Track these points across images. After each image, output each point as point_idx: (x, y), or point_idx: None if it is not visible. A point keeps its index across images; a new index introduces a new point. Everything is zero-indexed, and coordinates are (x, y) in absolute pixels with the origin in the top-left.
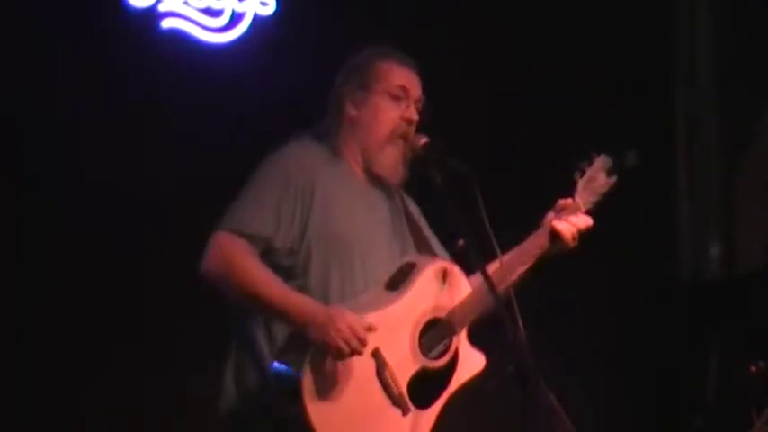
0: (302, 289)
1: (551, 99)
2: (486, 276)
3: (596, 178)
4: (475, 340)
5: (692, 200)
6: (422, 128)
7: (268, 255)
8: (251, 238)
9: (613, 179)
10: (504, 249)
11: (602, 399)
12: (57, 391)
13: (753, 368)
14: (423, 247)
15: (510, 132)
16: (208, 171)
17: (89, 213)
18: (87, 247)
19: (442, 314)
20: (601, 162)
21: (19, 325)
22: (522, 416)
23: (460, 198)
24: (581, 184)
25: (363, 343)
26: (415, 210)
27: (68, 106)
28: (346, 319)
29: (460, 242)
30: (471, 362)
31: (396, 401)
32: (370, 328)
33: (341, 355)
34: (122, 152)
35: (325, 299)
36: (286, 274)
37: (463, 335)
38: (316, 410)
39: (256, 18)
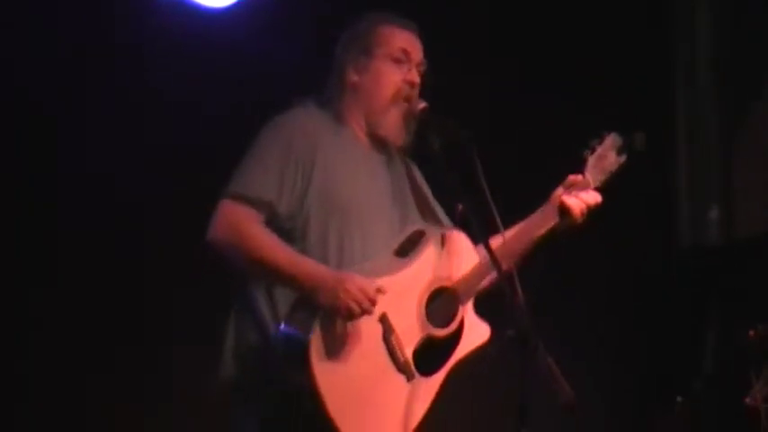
0: (301, 253)
1: (551, 99)
2: (488, 248)
3: (606, 156)
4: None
5: (691, 200)
6: (423, 93)
7: (272, 220)
8: (255, 203)
9: (623, 158)
10: (507, 225)
11: (602, 365)
12: (57, 391)
13: (751, 332)
14: (426, 212)
15: (509, 132)
16: (208, 135)
17: (89, 184)
18: (87, 244)
19: (450, 283)
20: (611, 140)
21: (19, 325)
22: (521, 381)
23: (460, 165)
24: (591, 161)
25: (373, 303)
26: (418, 175)
27: (64, 73)
28: (356, 282)
29: (460, 207)
30: (476, 332)
31: (401, 367)
32: (379, 290)
33: (351, 316)
34: (119, 119)
35: (324, 263)
36: (287, 237)
37: (469, 305)
38: (322, 373)
39: None
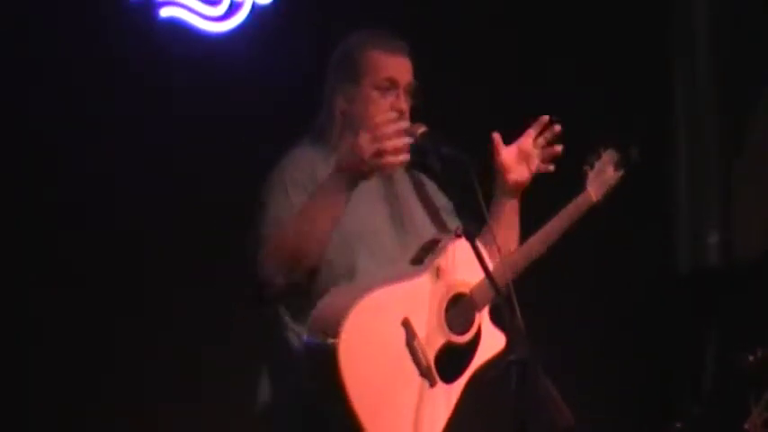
0: (312, 279)
1: (550, 100)
2: (485, 269)
3: (605, 171)
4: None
5: (691, 200)
6: (416, 113)
7: None
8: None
9: (620, 173)
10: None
11: (600, 387)
12: (56, 391)
13: (750, 357)
14: (437, 224)
15: (509, 133)
16: (208, 161)
17: (89, 207)
18: (87, 244)
19: (467, 289)
20: (608, 156)
21: (19, 325)
22: (519, 404)
23: (462, 186)
24: (591, 175)
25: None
26: (429, 187)
27: (66, 98)
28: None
29: (458, 231)
30: (493, 340)
31: (424, 373)
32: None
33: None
34: (121, 143)
35: (335, 283)
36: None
37: (485, 312)
38: (350, 376)
39: (255, 6)
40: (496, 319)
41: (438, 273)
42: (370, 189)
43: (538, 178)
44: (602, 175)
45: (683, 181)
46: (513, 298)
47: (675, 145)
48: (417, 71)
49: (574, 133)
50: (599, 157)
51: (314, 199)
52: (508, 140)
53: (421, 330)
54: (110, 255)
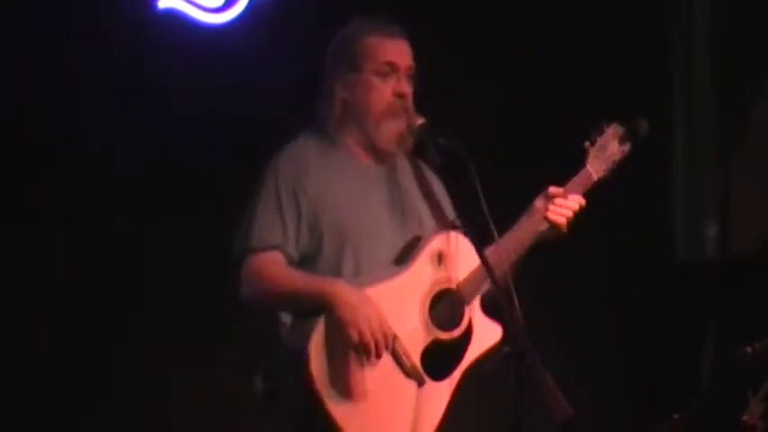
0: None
1: (550, 99)
2: (485, 261)
3: (608, 146)
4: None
5: (689, 193)
6: (418, 101)
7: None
8: (265, 251)
9: (627, 147)
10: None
11: (598, 380)
12: (56, 392)
13: (748, 349)
14: (440, 215)
15: (508, 132)
16: (206, 153)
17: (89, 205)
18: (87, 242)
19: (452, 285)
20: (613, 131)
21: (18, 325)
22: (517, 396)
23: (461, 178)
24: (592, 152)
25: (386, 344)
26: (431, 177)
27: (63, 90)
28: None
29: (455, 222)
30: (488, 332)
31: (409, 373)
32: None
33: (361, 343)
34: (119, 136)
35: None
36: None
37: (476, 305)
38: (323, 381)
39: None
40: (492, 311)
41: (419, 270)
42: (368, 173)
43: (532, 183)
44: (605, 152)
45: (682, 174)
46: (512, 289)
47: (674, 139)
48: (416, 53)
49: (573, 133)
50: (602, 131)
51: (302, 291)
52: (502, 145)
53: (402, 331)
54: (107, 246)
